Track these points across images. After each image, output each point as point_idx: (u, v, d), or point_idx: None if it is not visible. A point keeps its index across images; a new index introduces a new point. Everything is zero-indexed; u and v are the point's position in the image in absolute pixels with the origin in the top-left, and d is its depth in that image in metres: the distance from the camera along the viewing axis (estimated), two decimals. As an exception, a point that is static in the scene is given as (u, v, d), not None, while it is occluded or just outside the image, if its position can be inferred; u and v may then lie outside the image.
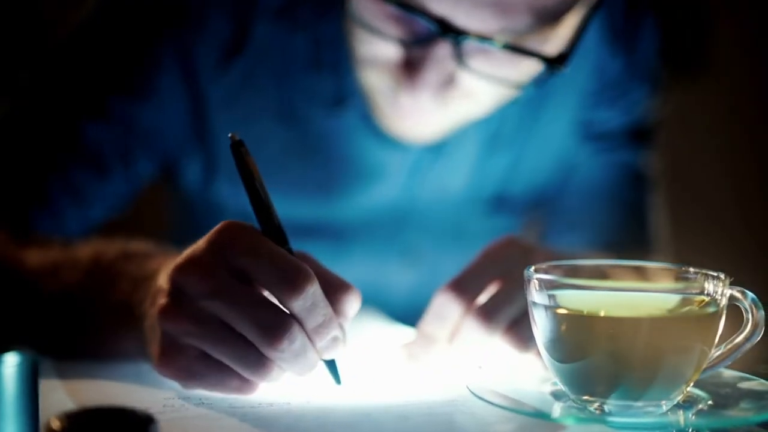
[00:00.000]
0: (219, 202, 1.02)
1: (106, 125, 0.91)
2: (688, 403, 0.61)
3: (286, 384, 0.62)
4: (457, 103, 0.84)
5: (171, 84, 0.93)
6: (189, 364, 0.59)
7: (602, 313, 0.58)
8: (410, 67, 0.79)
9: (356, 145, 0.96)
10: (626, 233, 1.06)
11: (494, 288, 0.71)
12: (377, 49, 0.81)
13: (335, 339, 0.60)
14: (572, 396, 0.60)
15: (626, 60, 1.03)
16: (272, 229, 0.60)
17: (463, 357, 0.70)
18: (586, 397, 0.59)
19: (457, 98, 0.83)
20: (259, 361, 0.58)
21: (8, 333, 0.75)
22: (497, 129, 1.00)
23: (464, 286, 0.71)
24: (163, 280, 0.61)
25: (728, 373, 0.65)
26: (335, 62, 0.91)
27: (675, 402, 0.60)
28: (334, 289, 0.61)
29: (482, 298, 0.71)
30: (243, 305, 0.57)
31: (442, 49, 0.77)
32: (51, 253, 0.76)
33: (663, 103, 1.08)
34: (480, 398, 0.59)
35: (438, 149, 0.98)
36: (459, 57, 0.77)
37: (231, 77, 0.93)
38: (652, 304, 0.60)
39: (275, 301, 0.58)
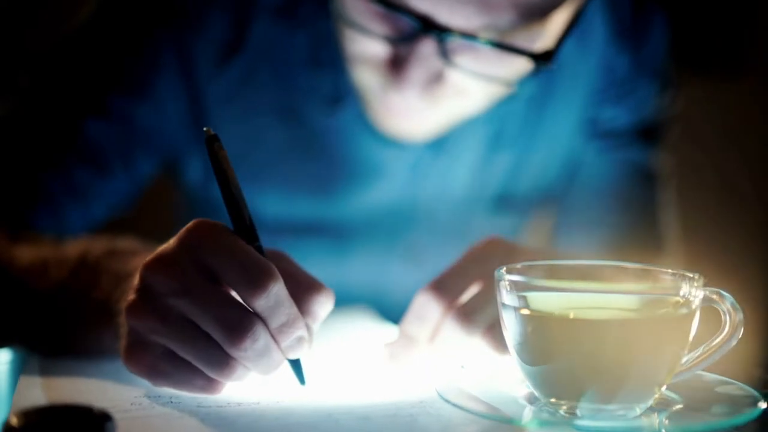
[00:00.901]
0: (218, 201, 1.03)
1: (105, 123, 0.92)
2: (661, 407, 0.60)
3: (257, 383, 0.62)
4: (448, 101, 0.83)
5: (170, 82, 0.93)
6: (155, 361, 0.59)
7: (571, 315, 0.58)
8: (397, 65, 0.79)
9: (355, 143, 0.96)
10: (635, 232, 1.05)
11: (476, 288, 0.70)
12: (365, 47, 0.81)
13: (300, 339, 0.59)
14: (542, 399, 0.59)
15: (633, 57, 1.01)
16: (243, 227, 0.60)
17: (443, 358, 0.70)
18: (555, 401, 0.58)
19: (448, 96, 0.82)
20: (222, 360, 0.57)
21: None
22: (500, 127, 0.99)
23: (445, 287, 0.70)
24: (136, 278, 0.61)
25: (708, 377, 0.64)
26: (333, 60, 0.91)
27: (648, 405, 0.59)
28: (303, 289, 0.61)
29: (463, 299, 0.70)
30: (207, 304, 0.56)
31: (427, 47, 0.77)
32: (41, 251, 0.76)
33: (676, 100, 1.07)
34: (445, 400, 0.58)
35: (439, 147, 0.97)
36: (444, 54, 0.77)
37: (230, 75, 0.94)
38: (624, 305, 0.59)
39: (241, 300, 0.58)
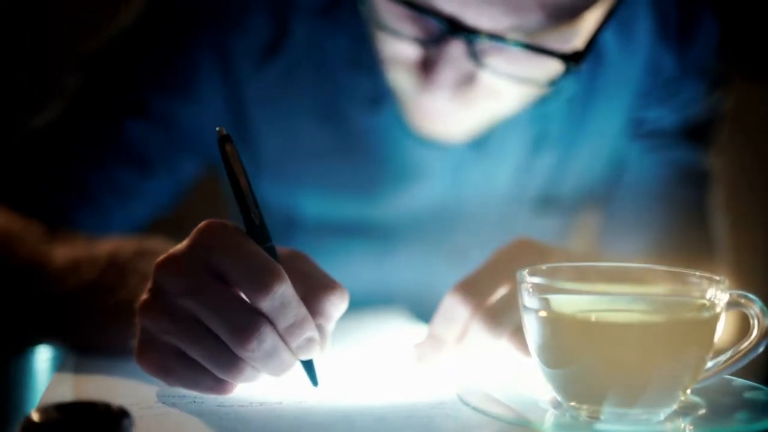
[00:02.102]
0: (263, 201, 1.04)
1: (147, 124, 0.93)
2: (686, 412, 0.59)
3: (281, 383, 0.63)
4: (481, 103, 0.83)
5: (210, 84, 0.94)
6: (166, 360, 0.59)
7: (592, 318, 0.57)
8: (427, 67, 0.79)
9: (396, 144, 0.96)
10: (684, 235, 1.03)
11: (504, 290, 0.70)
12: (396, 50, 0.82)
13: (310, 340, 0.59)
14: (564, 403, 0.59)
15: (680, 57, 1.00)
16: (254, 227, 0.60)
17: (470, 359, 0.70)
18: (577, 404, 0.58)
19: (481, 98, 0.82)
20: (231, 361, 0.58)
21: (33, 328, 0.78)
22: (543, 128, 0.98)
23: (473, 288, 0.70)
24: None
25: (736, 382, 0.63)
26: (373, 61, 0.91)
27: (672, 410, 0.58)
28: (316, 289, 0.61)
29: (491, 301, 0.70)
30: (215, 304, 0.57)
31: (456, 48, 0.77)
32: (75, 250, 0.77)
33: (725, 101, 1.04)
34: (464, 402, 0.58)
35: (481, 148, 0.97)
36: (474, 56, 0.77)
37: (270, 76, 0.95)
38: (648, 308, 0.59)
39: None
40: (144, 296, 0.59)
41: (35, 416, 0.51)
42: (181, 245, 0.59)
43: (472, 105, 0.83)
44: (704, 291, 0.58)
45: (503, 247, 0.73)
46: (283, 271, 0.57)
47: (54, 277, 0.75)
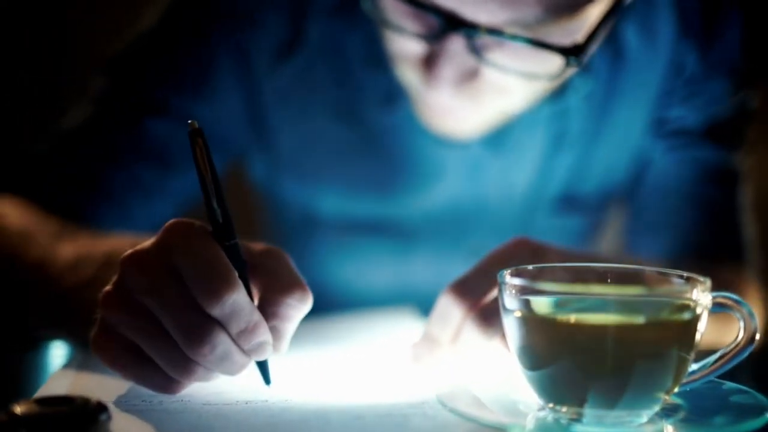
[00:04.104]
0: (283, 198, 1.05)
1: (167, 122, 0.95)
2: (668, 414, 0.58)
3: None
4: (488, 98, 0.83)
5: (227, 82, 0.96)
6: (120, 353, 0.59)
7: (572, 319, 0.57)
8: (430, 63, 0.80)
9: (412, 142, 0.97)
10: (709, 234, 1.01)
11: (498, 290, 0.70)
12: (402, 46, 0.82)
13: (262, 343, 0.59)
14: (545, 405, 0.58)
15: (704, 55, 0.98)
16: (218, 225, 0.59)
17: (464, 359, 0.70)
18: (555, 406, 0.57)
19: (487, 93, 0.82)
20: (183, 362, 0.58)
21: (41, 324, 0.80)
22: (563, 127, 0.98)
23: (468, 288, 0.70)
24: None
25: (724, 386, 0.62)
26: (389, 59, 0.92)
27: (654, 412, 0.57)
28: (277, 290, 0.60)
29: (486, 301, 0.70)
30: (171, 306, 0.57)
31: (456, 43, 0.77)
32: (78, 247, 0.79)
33: (752, 99, 1.02)
34: (441, 403, 0.58)
35: (499, 147, 0.97)
36: (475, 51, 0.77)
37: (286, 74, 0.96)
38: (628, 309, 0.58)
39: None
40: (107, 288, 0.60)
41: (15, 409, 0.53)
42: (148, 242, 0.60)
43: (479, 101, 0.83)
44: (686, 292, 0.57)
45: (499, 247, 0.73)
46: (236, 279, 0.57)
47: (56, 274, 0.77)
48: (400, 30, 0.80)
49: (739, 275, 0.99)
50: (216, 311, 0.57)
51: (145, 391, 0.62)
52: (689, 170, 1.00)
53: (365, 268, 1.05)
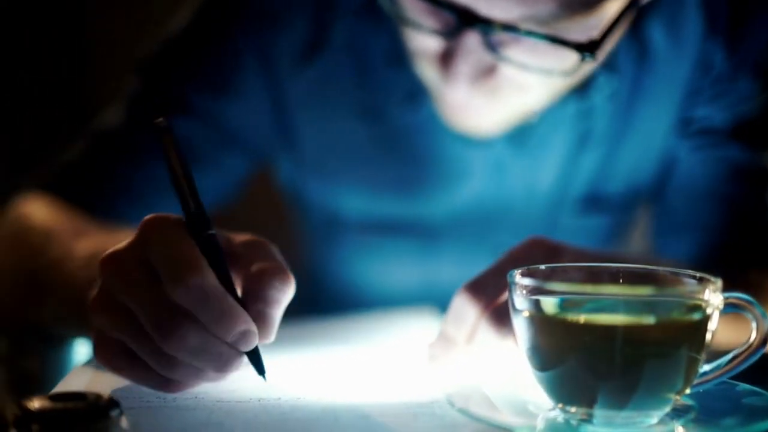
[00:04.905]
0: (308, 199, 1.06)
1: (191, 121, 0.96)
2: (679, 415, 0.58)
3: (285, 380, 0.64)
4: (506, 95, 0.83)
5: (251, 82, 0.97)
6: (116, 356, 0.59)
7: (581, 319, 0.56)
8: (447, 59, 0.80)
9: (436, 141, 0.97)
10: (735, 234, 1.00)
11: (513, 290, 0.70)
12: (420, 42, 0.82)
13: (245, 332, 0.57)
14: (554, 405, 0.58)
15: (730, 53, 0.97)
16: (190, 216, 0.59)
17: (479, 359, 0.70)
18: (565, 407, 0.57)
19: (504, 89, 0.82)
20: (165, 358, 0.58)
21: (58, 322, 0.81)
22: (587, 126, 0.97)
23: (482, 287, 0.70)
24: None
25: (738, 387, 0.61)
26: (412, 57, 0.92)
27: (664, 413, 0.57)
28: (258, 275, 0.60)
29: (500, 300, 0.70)
30: (142, 301, 0.57)
31: (472, 40, 0.77)
32: (93, 244, 0.79)
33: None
34: (450, 403, 0.58)
35: (522, 146, 0.97)
36: (491, 47, 0.77)
37: (311, 75, 0.96)
38: (639, 309, 0.58)
39: None
40: (93, 292, 0.60)
41: (28, 404, 0.54)
42: (126, 240, 0.60)
43: (496, 97, 0.83)
44: (696, 292, 0.57)
45: (515, 247, 0.73)
46: (202, 264, 0.56)
47: (73, 271, 0.78)
48: (417, 26, 0.80)
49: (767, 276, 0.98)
50: (182, 298, 0.56)
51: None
52: (716, 170, 0.99)
53: (389, 267, 1.05)
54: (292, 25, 0.96)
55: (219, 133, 0.98)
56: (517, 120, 0.91)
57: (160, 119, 0.60)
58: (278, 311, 0.60)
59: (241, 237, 0.63)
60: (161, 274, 0.57)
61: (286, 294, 0.60)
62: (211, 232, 0.59)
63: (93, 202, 0.94)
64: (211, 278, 0.57)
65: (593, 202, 1.01)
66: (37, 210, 0.92)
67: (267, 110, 0.98)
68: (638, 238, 1.13)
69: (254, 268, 0.60)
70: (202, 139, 0.97)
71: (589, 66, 0.80)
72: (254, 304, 0.59)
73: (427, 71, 0.86)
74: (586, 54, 0.75)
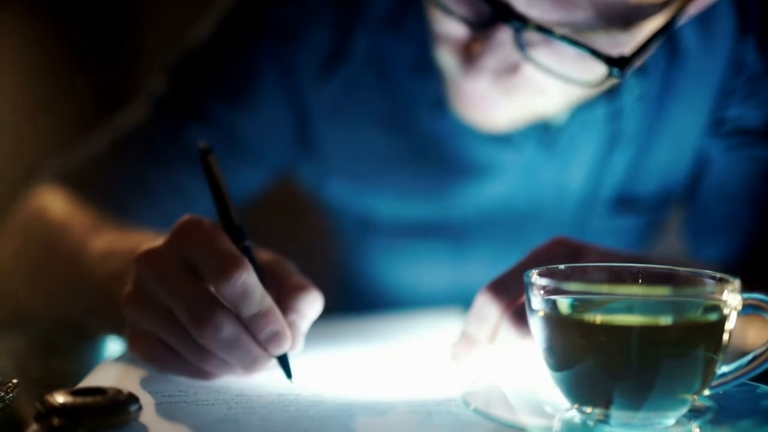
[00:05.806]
0: (337, 204, 1.06)
1: (207, 129, 0.97)
2: (697, 416, 0.57)
3: (301, 377, 0.65)
4: (523, 95, 0.83)
5: (271, 95, 0.97)
6: (151, 348, 0.63)
7: (597, 320, 0.56)
8: (472, 50, 0.79)
9: (464, 145, 0.97)
10: None
11: (535, 289, 0.70)
12: (446, 27, 0.81)
13: (277, 333, 0.61)
14: (572, 406, 0.58)
15: (763, 52, 0.96)
16: (230, 227, 0.63)
17: (501, 359, 0.70)
18: (583, 407, 0.57)
19: (522, 89, 0.82)
20: (197, 349, 0.61)
21: (75, 313, 0.83)
22: (618, 127, 0.97)
23: (505, 287, 0.70)
24: None
25: (758, 388, 0.61)
26: (436, 64, 0.92)
27: (682, 414, 0.57)
28: (291, 288, 0.63)
29: (521, 300, 0.70)
30: (178, 293, 0.60)
31: (503, 35, 0.77)
32: (109, 241, 0.82)
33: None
34: (465, 403, 0.58)
35: (552, 147, 0.96)
36: (520, 45, 0.77)
37: (333, 87, 0.97)
38: (656, 309, 0.57)
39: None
40: (127, 288, 0.63)
41: (50, 398, 0.55)
42: (161, 239, 0.63)
43: (513, 96, 0.82)
44: (714, 293, 0.57)
45: (538, 246, 0.73)
46: (246, 262, 0.60)
47: (89, 265, 0.80)
48: (448, 12, 0.80)
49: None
50: (226, 291, 0.59)
51: (183, 383, 0.64)
52: (749, 170, 0.98)
53: (420, 268, 1.05)
54: (314, 37, 0.96)
55: (234, 143, 0.98)
56: (528, 121, 0.90)
57: (202, 141, 0.65)
58: (307, 324, 0.64)
59: (266, 255, 0.66)
60: (204, 269, 0.60)
61: (315, 310, 0.64)
62: (247, 243, 0.63)
63: (108, 198, 0.95)
64: (253, 276, 0.60)
65: (624, 202, 1.00)
66: (50, 203, 0.94)
67: (288, 122, 0.99)
68: (672, 239, 1.12)
69: (290, 281, 0.64)
70: (217, 146, 0.97)
71: (613, 81, 0.79)
72: (287, 314, 0.63)
73: (446, 58, 0.85)
74: (615, 69, 0.75)
